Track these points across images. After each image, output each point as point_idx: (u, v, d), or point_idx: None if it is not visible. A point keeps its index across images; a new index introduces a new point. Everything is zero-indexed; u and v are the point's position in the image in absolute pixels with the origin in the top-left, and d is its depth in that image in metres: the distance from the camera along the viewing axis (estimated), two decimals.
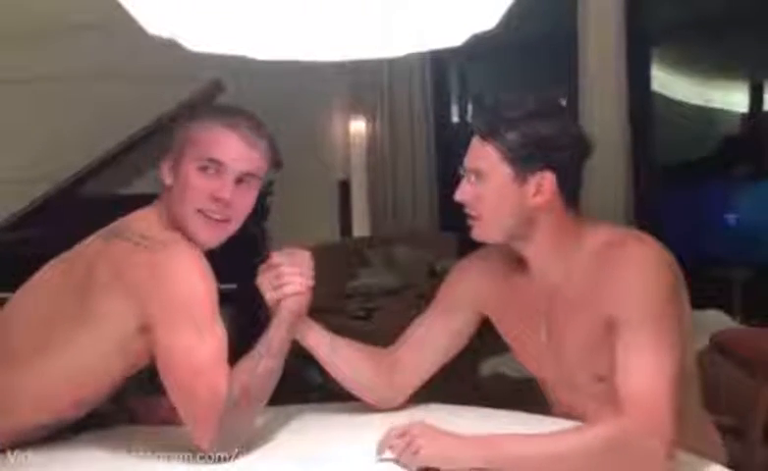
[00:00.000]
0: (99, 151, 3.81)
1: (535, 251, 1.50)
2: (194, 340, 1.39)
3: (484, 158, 1.47)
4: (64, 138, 4.14)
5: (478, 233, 1.52)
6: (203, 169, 1.49)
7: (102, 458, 1.48)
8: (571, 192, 1.49)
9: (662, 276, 1.41)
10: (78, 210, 3.68)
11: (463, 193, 1.50)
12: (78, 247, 1.55)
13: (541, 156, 1.45)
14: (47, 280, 1.55)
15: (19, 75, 4.20)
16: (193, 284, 1.42)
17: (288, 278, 1.52)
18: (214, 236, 1.51)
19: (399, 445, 1.35)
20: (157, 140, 3.93)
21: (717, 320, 3.15)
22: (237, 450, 1.41)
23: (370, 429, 1.44)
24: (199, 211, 1.49)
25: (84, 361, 1.46)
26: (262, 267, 1.55)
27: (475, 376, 3.61)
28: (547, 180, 1.45)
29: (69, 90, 4.36)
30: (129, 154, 3.81)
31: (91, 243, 1.53)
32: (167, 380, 1.42)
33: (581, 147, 1.49)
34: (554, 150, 1.45)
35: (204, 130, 1.51)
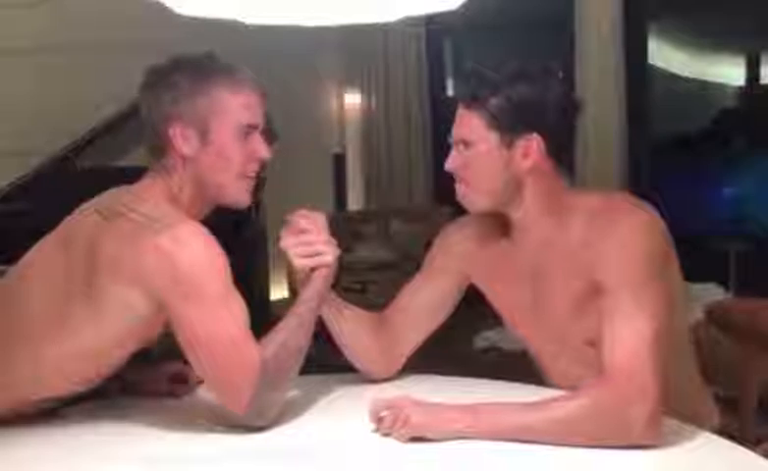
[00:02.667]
0: (92, 123, 3.79)
1: (524, 215, 1.49)
2: (222, 312, 1.36)
3: (470, 126, 1.46)
4: (56, 110, 4.11)
5: (468, 201, 1.51)
6: (240, 134, 1.45)
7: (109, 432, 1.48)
8: (559, 154, 1.48)
9: (650, 243, 1.40)
10: (71, 182, 3.67)
11: (452, 162, 1.50)
12: (73, 222, 1.50)
13: (527, 120, 1.44)
14: (47, 258, 1.50)
15: (11, 44, 4.16)
16: (210, 258, 1.39)
17: (321, 246, 1.49)
18: (249, 195, 1.49)
19: (387, 419, 1.36)
20: None
21: (712, 293, 3.16)
22: (275, 413, 1.40)
23: (364, 401, 1.44)
24: (241, 174, 1.46)
25: (96, 342, 1.43)
26: (285, 230, 1.50)
27: (470, 349, 3.63)
28: (534, 142, 1.45)
29: (62, 61, 4.33)
30: (122, 125, 3.79)
31: (90, 218, 1.46)
32: (195, 353, 1.38)
33: (568, 108, 1.49)
34: (539, 113, 1.44)
35: (231, 94, 1.44)
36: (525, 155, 1.45)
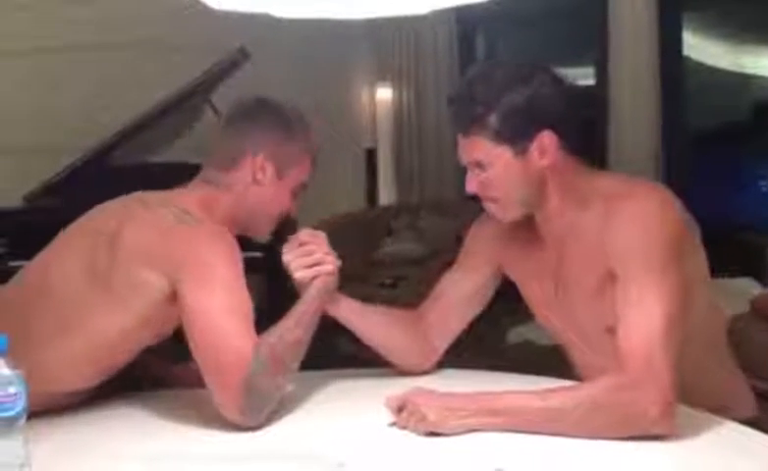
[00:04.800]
0: (127, 120, 3.83)
1: (550, 209, 1.49)
2: (219, 304, 1.40)
3: (478, 149, 1.45)
4: (90, 109, 4.15)
5: (499, 215, 1.51)
6: (297, 190, 1.62)
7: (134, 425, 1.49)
8: (573, 142, 1.47)
9: (663, 227, 1.38)
10: (101, 180, 3.71)
11: (471, 186, 1.49)
12: (98, 215, 1.56)
13: (530, 122, 1.43)
14: (75, 246, 1.54)
15: (41, 43, 4.21)
16: (222, 252, 1.44)
17: (321, 256, 1.54)
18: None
19: (403, 418, 1.36)
20: (188, 107, 3.95)
21: (748, 287, 3.11)
22: (266, 414, 1.41)
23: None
24: (278, 218, 1.61)
25: (111, 330, 1.46)
26: (287, 245, 1.56)
27: (503, 344, 3.61)
28: (547, 139, 1.43)
29: (96, 59, 4.37)
30: (158, 123, 3.82)
31: (118, 211, 1.53)
32: (192, 343, 1.42)
33: (567, 95, 1.47)
34: (541, 110, 1.43)
35: (308, 153, 1.63)
36: (542, 154, 1.44)
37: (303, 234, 1.57)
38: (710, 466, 1.25)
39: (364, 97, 5.63)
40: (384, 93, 5.59)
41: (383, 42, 5.49)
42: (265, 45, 4.14)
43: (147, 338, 1.51)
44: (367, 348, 1.66)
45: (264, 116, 1.61)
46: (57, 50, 4.23)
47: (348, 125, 5.43)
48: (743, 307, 2.37)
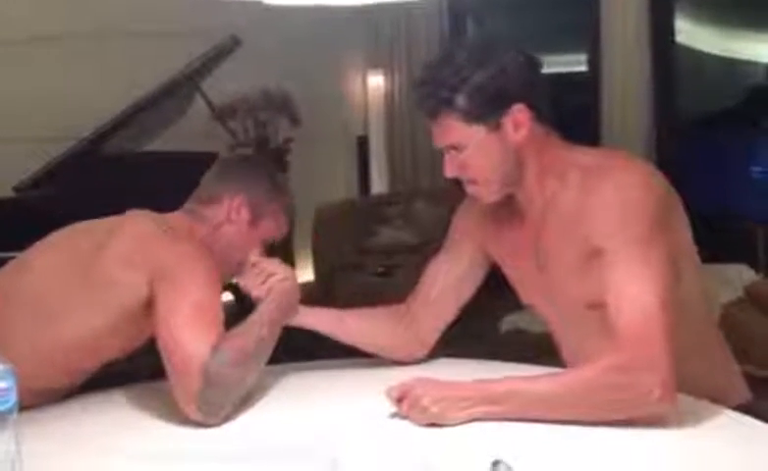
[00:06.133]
0: (117, 109, 3.81)
1: (529, 185, 1.47)
2: (187, 308, 1.42)
3: (450, 132, 1.44)
4: (82, 97, 4.13)
5: (482, 196, 1.50)
6: (266, 242, 1.67)
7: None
8: (547, 116, 1.45)
9: (645, 198, 1.36)
10: (97, 168, 3.69)
11: (450, 169, 1.47)
12: (85, 225, 1.62)
13: (499, 98, 1.41)
14: (59, 245, 1.59)
15: (30, 33, 4.18)
16: (200, 261, 1.49)
17: (272, 268, 1.60)
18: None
19: (404, 408, 1.36)
20: (179, 95, 3.93)
21: (741, 274, 3.12)
22: (224, 414, 1.41)
23: (373, 386, 1.44)
24: (241, 266, 1.64)
25: (89, 330, 1.49)
26: (243, 272, 1.62)
27: (495, 333, 3.61)
28: (519, 112, 1.42)
29: (86, 48, 4.34)
30: (148, 111, 3.80)
31: (106, 223, 1.60)
32: (158, 340, 1.45)
33: (531, 68, 1.45)
34: (507, 87, 1.41)
35: (284, 214, 1.69)
36: (517, 128, 1.43)
37: (253, 257, 1.63)
38: (707, 453, 1.24)
39: (356, 85, 5.61)
40: (376, 81, 5.57)
41: (374, 30, 5.47)
42: (257, 33, 4.12)
43: (116, 347, 1.54)
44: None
45: (255, 167, 1.75)
46: (49, 38, 4.20)
47: (339, 113, 5.42)
48: (736, 294, 2.37)
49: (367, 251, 4.68)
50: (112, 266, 1.49)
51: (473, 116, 1.41)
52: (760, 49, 5.16)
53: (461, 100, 1.41)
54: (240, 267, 1.64)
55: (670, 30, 4.92)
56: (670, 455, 1.25)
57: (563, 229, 1.43)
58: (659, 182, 1.41)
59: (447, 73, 1.42)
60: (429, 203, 5.07)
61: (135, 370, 1.65)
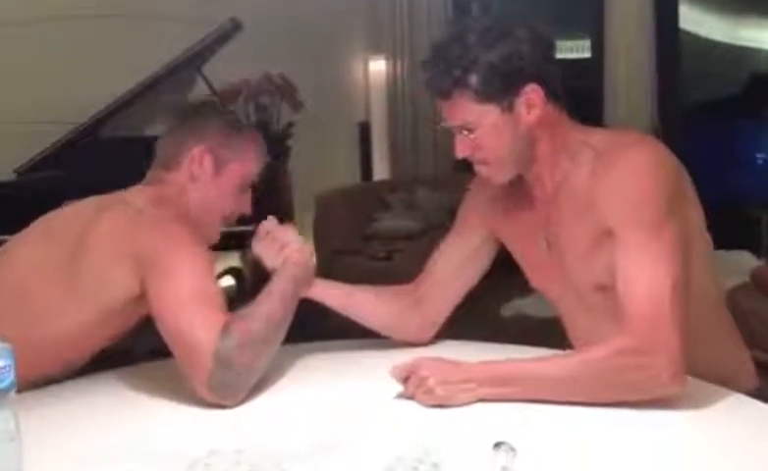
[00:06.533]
0: (118, 93, 3.79)
1: (540, 166, 1.45)
2: (183, 292, 1.39)
3: (463, 110, 1.41)
4: (83, 80, 4.11)
5: (494, 178, 1.48)
6: (242, 186, 1.61)
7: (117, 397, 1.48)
8: (558, 96, 1.44)
9: (657, 179, 1.34)
10: (98, 151, 3.68)
11: (462, 149, 1.45)
12: (60, 215, 1.57)
13: (512, 78, 1.39)
14: (32, 247, 1.56)
15: (32, 14, 4.15)
16: (181, 241, 1.45)
17: (287, 238, 1.56)
18: (218, 235, 1.62)
19: (410, 386, 1.35)
20: (179, 79, 3.91)
21: (744, 260, 3.11)
22: (241, 396, 1.39)
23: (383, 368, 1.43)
24: (223, 218, 1.61)
25: (75, 325, 1.47)
26: (255, 238, 1.58)
27: (498, 317, 3.60)
28: (532, 92, 1.40)
29: (86, 29, 4.32)
30: (148, 94, 3.79)
31: (82, 211, 1.55)
32: (161, 329, 1.42)
33: (544, 47, 1.43)
34: (520, 66, 1.39)
35: (254, 151, 1.62)
36: (529, 108, 1.41)
37: (268, 223, 1.59)
38: (717, 436, 1.23)
39: (358, 70, 5.58)
40: (377, 66, 5.55)
41: (376, 14, 5.44)
42: (257, 17, 4.09)
43: (105, 337, 1.52)
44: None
45: (206, 111, 1.67)
46: (51, 20, 4.17)
47: (341, 98, 5.39)
48: (739, 280, 2.37)
49: (368, 237, 4.67)
50: (97, 263, 1.46)
51: (486, 95, 1.39)
52: (765, 36, 5.13)
53: (473, 79, 1.39)
54: (228, 219, 1.60)
55: (674, 16, 4.89)
56: (678, 438, 1.24)
57: (574, 209, 1.42)
58: (671, 161, 1.39)
59: (459, 51, 1.39)
60: (430, 189, 5.06)
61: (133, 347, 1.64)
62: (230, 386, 1.37)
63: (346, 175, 5.33)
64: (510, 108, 1.40)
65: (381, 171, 5.55)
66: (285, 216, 4.23)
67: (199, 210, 1.56)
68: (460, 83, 1.39)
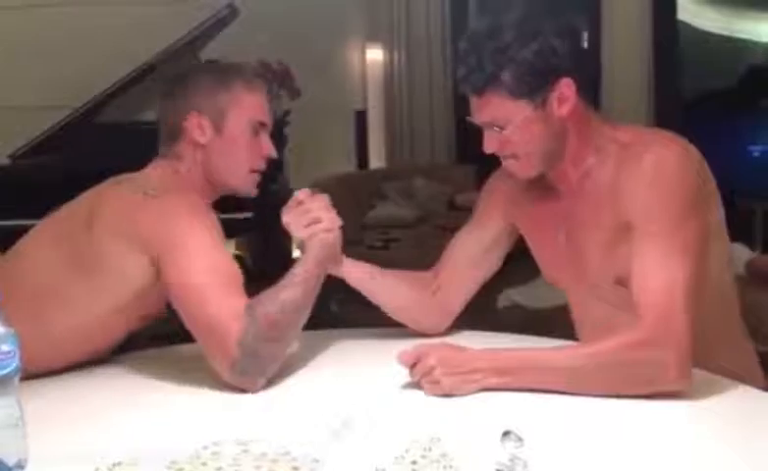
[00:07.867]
0: (115, 78, 3.78)
1: (568, 160, 1.45)
2: (201, 272, 1.39)
3: (495, 108, 1.40)
4: (80, 65, 4.10)
5: (523, 173, 1.47)
6: (252, 130, 1.55)
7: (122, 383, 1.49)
8: (585, 89, 1.43)
9: (680, 177, 1.35)
10: (95, 136, 3.67)
11: (491, 145, 1.43)
12: (74, 203, 1.56)
13: (546, 73, 1.39)
14: (52, 234, 1.54)
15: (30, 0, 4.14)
16: (193, 219, 1.43)
17: (318, 213, 1.52)
18: (255, 187, 1.59)
19: (416, 374, 1.35)
20: (176, 65, 3.90)
21: (739, 252, 3.11)
22: (263, 380, 1.39)
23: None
24: (252, 170, 1.57)
25: (95, 314, 1.47)
26: (286, 207, 1.54)
27: (493, 307, 3.61)
28: (566, 87, 1.40)
29: (82, 15, 4.31)
30: (145, 80, 3.78)
31: (92, 194, 1.54)
32: (182, 315, 1.41)
33: (574, 39, 1.43)
34: (554, 63, 1.39)
35: (248, 92, 1.56)
36: (561, 103, 1.40)
37: (301, 193, 1.55)
38: (723, 428, 1.23)
39: (355, 58, 5.58)
40: (375, 54, 5.55)
41: (374, 2, 5.43)
42: (255, 4, 4.09)
43: (130, 323, 1.52)
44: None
45: (191, 74, 1.60)
46: (48, 5, 4.16)
47: (338, 86, 5.39)
48: (736, 272, 2.37)
49: (365, 226, 4.67)
50: (108, 250, 1.44)
51: (520, 92, 1.38)
52: (761, 28, 5.14)
53: (507, 76, 1.38)
54: (245, 174, 1.55)
55: (672, 7, 4.89)
56: (685, 428, 1.25)
57: (597, 202, 1.42)
58: (697, 161, 1.40)
59: (493, 48, 1.38)
60: (427, 179, 5.07)
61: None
62: (254, 373, 1.38)
63: (342, 163, 5.33)
64: (543, 104, 1.40)
65: (377, 159, 5.55)
66: (281, 205, 4.22)
67: (222, 171, 1.54)
68: (493, 80, 1.38)
